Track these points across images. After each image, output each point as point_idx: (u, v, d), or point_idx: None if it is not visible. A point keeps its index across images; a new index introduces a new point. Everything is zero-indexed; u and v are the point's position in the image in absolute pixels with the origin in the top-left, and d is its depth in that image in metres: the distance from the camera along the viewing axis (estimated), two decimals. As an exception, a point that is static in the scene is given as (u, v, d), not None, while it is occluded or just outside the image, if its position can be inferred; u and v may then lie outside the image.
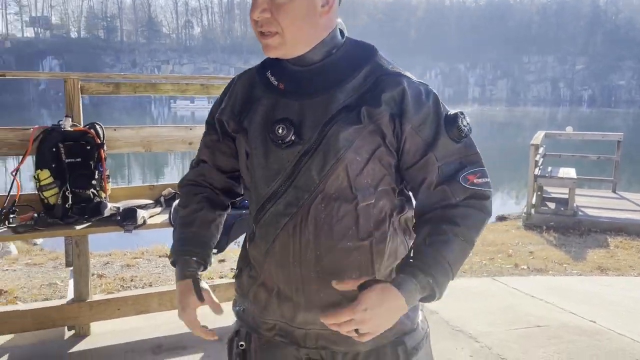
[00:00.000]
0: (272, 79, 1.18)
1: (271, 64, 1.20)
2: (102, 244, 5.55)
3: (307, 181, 1.10)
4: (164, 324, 3.13)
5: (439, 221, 1.13)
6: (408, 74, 1.17)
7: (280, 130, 1.10)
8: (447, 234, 1.11)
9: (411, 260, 1.11)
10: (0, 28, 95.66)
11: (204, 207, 1.30)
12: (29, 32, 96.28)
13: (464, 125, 1.15)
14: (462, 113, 1.17)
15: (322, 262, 1.12)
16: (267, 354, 1.23)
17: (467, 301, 3.83)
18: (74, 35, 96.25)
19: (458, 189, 1.14)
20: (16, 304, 3.69)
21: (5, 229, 2.67)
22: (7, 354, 2.85)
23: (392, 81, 1.12)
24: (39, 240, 6.33)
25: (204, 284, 1.22)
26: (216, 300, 1.20)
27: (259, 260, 1.18)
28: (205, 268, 1.27)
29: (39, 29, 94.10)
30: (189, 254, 1.25)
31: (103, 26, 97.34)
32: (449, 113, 1.17)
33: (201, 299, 1.19)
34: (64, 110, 3.11)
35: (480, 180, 1.16)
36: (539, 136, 8.37)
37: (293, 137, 1.10)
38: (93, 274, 4.37)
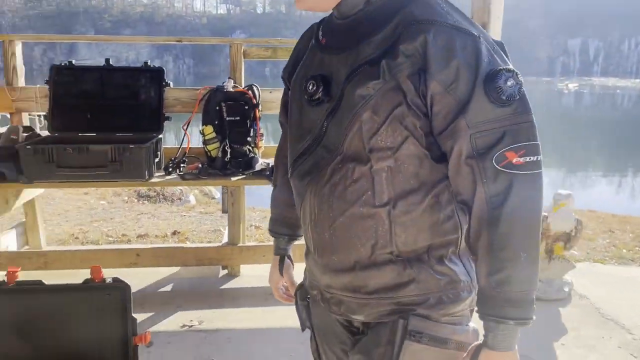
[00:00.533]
0: (320, 33, 1.14)
1: (325, 18, 1.16)
2: (264, 200, 6.08)
3: (332, 140, 1.05)
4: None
5: (485, 243, 1.00)
6: (452, 21, 0.98)
7: (310, 87, 1.07)
8: (510, 259, 0.99)
9: (482, 306, 1.04)
10: (198, 6, 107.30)
11: (283, 188, 1.34)
12: (222, 9, 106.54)
13: (506, 85, 0.94)
14: (509, 70, 0.96)
15: (334, 225, 1.08)
16: (316, 312, 1.25)
17: (625, 291, 3.43)
18: (259, 10, 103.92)
19: (488, 170, 0.96)
20: (185, 243, 4.28)
21: (176, 175, 3.08)
22: (172, 283, 3.35)
23: (415, 30, 0.97)
24: (217, 195, 7.14)
25: (287, 263, 1.39)
26: (292, 279, 1.38)
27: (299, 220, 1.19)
28: (296, 240, 1.40)
29: (230, 5, 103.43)
30: (279, 235, 1.39)
31: (285, 2, 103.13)
32: (493, 69, 0.96)
33: (281, 275, 1.38)
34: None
35: (523, 159, 0.96)
36: None
37: (321, 94, 1.06)
38: (251, 225, 4.84)
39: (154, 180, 3.00)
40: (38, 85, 3.33)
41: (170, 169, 3.06)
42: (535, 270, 1.00)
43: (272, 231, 1.39)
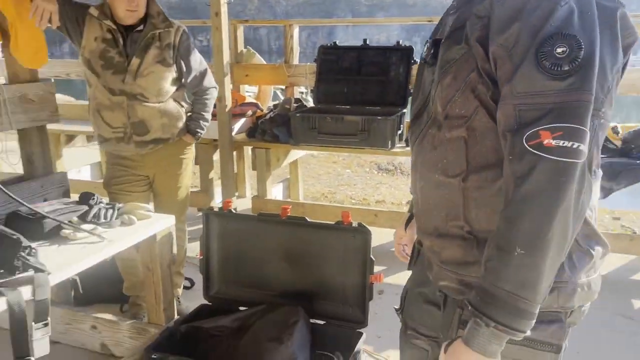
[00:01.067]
0: None
1: None
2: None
3: (432, 104, 1.05)
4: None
5: (499, 219, 0.90)
6: None
7: (425, 49, 1.10)
8: (501, 248, 0.88)
9: (473, 292, 0.94)
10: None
11: None
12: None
13: (558, 54, 0.83)
14: (567, 35, 0.83)
15: (418, 188, 1.12)
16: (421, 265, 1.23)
17: None
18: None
19: (516, 147, 0.86)
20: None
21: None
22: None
23: None
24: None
25: (414, 221, 1.31)
26: (413, 237, 1.32)
27: None
28: None
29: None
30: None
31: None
32: (551, 33, 0.84)
33: (404, 232, 1.39)
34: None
35: (555, 142, 0.83)
36: None
37: (429, 57, 1.06)
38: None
39: (395, 150, 3.32)
40: (308, 64, 3.93)
41: (411, 140, 3.32)
42: (536, 277, 0.87)
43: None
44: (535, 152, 0.84)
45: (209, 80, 2.58)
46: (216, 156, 3.89)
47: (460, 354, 0.93)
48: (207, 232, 2.17)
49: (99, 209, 2.10)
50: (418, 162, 1.11)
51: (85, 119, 4.78)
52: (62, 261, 1.73)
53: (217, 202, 3.94)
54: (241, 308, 2.14)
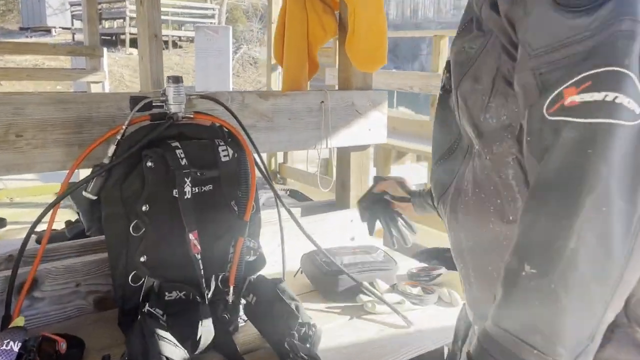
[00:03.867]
0: None
1: None
2: None
3: (463, 134, 0.82)
4: None
5: None
6: None
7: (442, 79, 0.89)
8: (509, 268, 0.60)
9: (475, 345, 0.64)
10: None
11: None
12: None
13: None
14: None
15: (463, 248, 0.82)
16: None
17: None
18: None
19: (534, 122, 0.60)
20: None
21: None
22: None
23: None
24: None
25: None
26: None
27: None
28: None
29: None
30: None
31: None
32: None
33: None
34: None
35: (580, 98, 0.56)
36: None
37: (446, 82, 0.85)
38: None
39: None
40: None
41: None
42: (554, 312, 0.56)
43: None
44: (555, 118, 0.59)
45: None
46: None
47: None
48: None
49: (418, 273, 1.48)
50: (458, 211, 0.80)
51: (420, 135, 4.55)
52: (350, 348, 1.16)
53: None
54: None
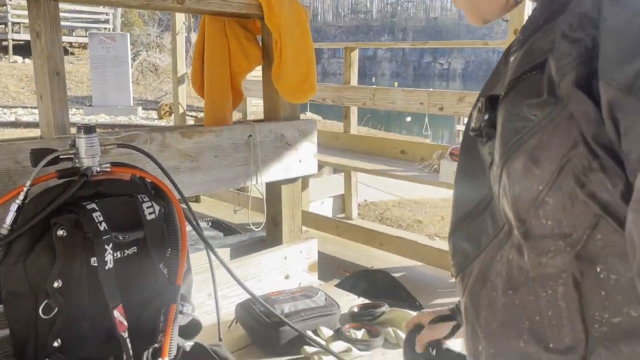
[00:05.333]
0: None
1: None
2: None
3: (499, 205, 0.63)
4: None
5: None
6: None
7: (475, 112, 0.66)
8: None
9: None
10: None
11: None
12: None
13: None
14: None
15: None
16: None
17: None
18: None
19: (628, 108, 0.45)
20: None
21: None
22: None
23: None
24: None
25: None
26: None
27: None
28: None
29: None
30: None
31: None
32: None
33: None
34: None
35: None
36: None
37: (483, 124, 0.63)
38: None
39: None
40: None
41: None
42: None
43: None
44: None
45: None
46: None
47: None
48: None
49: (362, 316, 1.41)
50: (481, 316, 0.63)
51: (335, 147, 4.53)
52: None
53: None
54: None
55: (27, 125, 9.08)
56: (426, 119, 3.67)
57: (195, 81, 1.62)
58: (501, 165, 0.59)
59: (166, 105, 10.16)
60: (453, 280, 0.95)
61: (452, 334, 0.95)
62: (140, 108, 11.03)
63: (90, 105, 10.69)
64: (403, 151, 3.90)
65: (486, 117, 0.64)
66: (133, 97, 11.29)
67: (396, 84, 4.06)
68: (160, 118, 10.15)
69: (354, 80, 4.31)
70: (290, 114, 1.67)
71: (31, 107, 10.97)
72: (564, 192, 0.53)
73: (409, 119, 9.50)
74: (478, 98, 0.69)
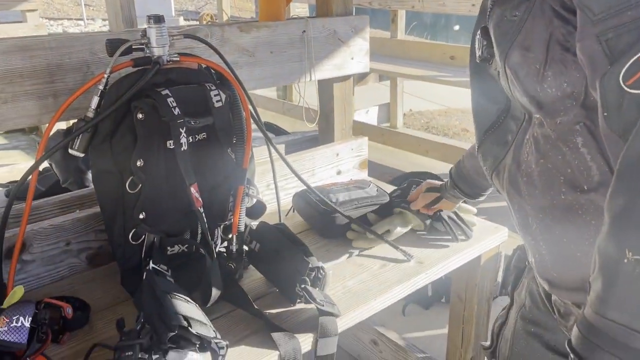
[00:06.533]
0: None
1: None
2: None
3: (512, 102, 0.80)
4: None
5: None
6: None
7: (477, 47, 0.82)
8: (607, 255, 0.58)
9: (576, 335, 0.64)
10: None
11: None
12: None
13: None
14: None
15: (533, 224, 0.79)
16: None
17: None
18: None
19: (610, 94, 0.56)
20: None
21: None
22: None
23: None
24: None
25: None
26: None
27: None
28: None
29: None
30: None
31: None
32: None
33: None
34: None
35: None
36: None
37: (484, 51, 0.78)
38: None
39: None
40: None
41: None
42: None
43: (452, 177, 1.28)
44: (637, 92, 0.54)
45: None
46: None
47: None
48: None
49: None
50: (523, 192, 0.76)
51: (378, 54, 4.44)
52: (355, 285, 1.17)
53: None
54: None
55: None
56: (478, 21, 3.53)
57: (249, -23, 1.63)
58: (503, 64, 0.71)
59: (207, 14, 10.05)
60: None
61: (434, 202, 1.34)
62: (181, 18, 10.96)
63: (133, 16, 10.69)
64: (452, 57, 3.81)
65: (485, 43, 0.76)
66: (174, 8, 11.20)
67: (446, -14, 3.85)
68: (203, 28, 10.08)
69: (403, -18, 4.14)
70: (342, 10, 1.67)
71: (76, 19, 11.06)
72: (556, 61, 0.65)
73: (457, 27, 9.12)
74: (474, 34, 0.81)
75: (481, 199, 1.26)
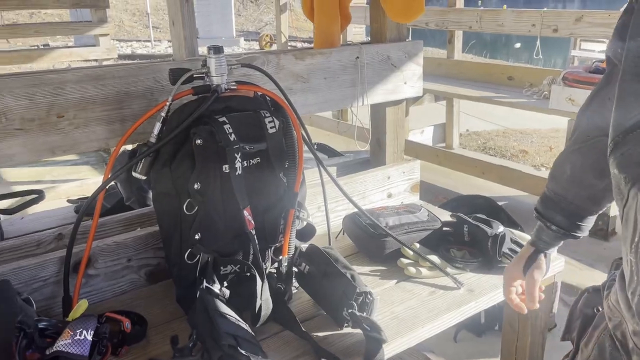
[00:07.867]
0: None
1: None
2: None
3: None
4: None
5: None
6: None
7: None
8: None
9: None
10: None
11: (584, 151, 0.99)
12: None
13: None
14: None
15: None
16: None
17: None
18: None
19: None
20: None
21: None
22: None
23: None
24: None
25: (540, 261, 1.09)
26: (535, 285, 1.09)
27: None
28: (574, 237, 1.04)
29: None
30: (547, 221, 1.05)
31: None
32: None
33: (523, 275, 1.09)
34: None
35: None
36: None
37: None
38: None
39: None
40: None
41: None
42: None
43: (540, 213, 1.06)
44: None
45: None
46: None
47: None
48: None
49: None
50: None
51: (434, 74, 4.42)
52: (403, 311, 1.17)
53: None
54: None
55: (142, 57, 9.68)
56: (537, 42, 3.46)
57: (305, 6, 1.69)
58: None
59: (267, 35, 10.33)
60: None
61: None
62: (242, 39, 11.30)
63: (197, 38, 11.12)
64: (510, 77, 3.74)
65: None
66: (235, 29, 11.58)
67: (504, 6, 3.82)
68: (262, 48, 10.36)
69: (460, 2, 4.12)
70: (396, 36, 1.69)
71: (144, 41, 11.64)
72: None
73: (517, 45, 8.92)
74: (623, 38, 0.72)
75: (579, 233, 1.05)
